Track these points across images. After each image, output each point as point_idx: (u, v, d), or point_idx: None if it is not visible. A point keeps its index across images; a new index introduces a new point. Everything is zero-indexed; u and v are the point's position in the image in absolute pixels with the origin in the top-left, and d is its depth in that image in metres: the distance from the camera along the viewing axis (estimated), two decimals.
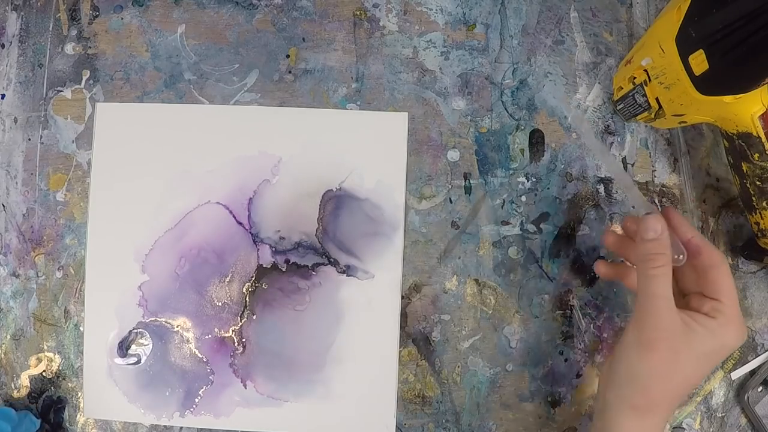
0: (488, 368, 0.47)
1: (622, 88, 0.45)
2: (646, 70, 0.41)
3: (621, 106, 0.46)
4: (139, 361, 0.47)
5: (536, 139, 0.48)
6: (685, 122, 0.42)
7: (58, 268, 0.48)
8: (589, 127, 0.46)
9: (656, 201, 0.48)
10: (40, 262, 0.48)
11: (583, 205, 0.47)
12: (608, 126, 0.48)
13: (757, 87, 0.35)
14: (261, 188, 0.47)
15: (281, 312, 0.46)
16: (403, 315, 0.47)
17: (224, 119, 0.47)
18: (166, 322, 0.47)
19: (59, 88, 0.48)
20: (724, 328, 0.37)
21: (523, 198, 0.47)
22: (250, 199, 0.47)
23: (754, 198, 0.41)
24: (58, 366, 0.48)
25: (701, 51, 0.35)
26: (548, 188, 0.47)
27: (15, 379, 0.48)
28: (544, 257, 0.47)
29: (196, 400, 0.47)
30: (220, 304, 0.47)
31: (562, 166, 0.47)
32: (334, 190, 0.47)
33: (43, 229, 0.48)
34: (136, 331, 0.47)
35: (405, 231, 0.47)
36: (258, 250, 0.47)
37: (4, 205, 0.48)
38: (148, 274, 0.47)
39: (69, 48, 0.48)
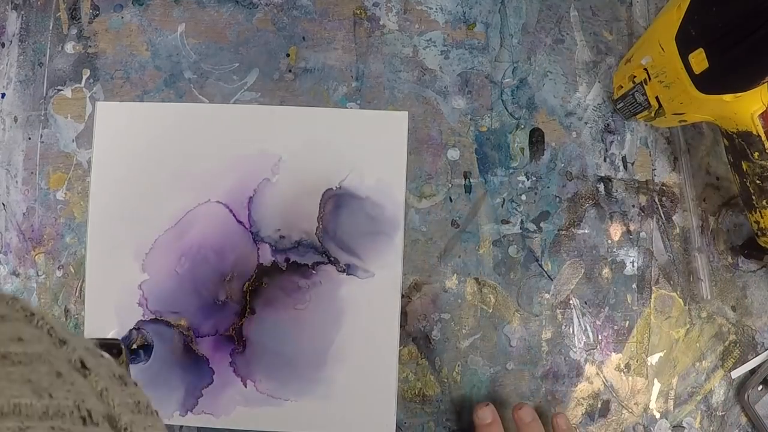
0: (488, 367, 0.47)
1: (622, 87, 0.45)
2: (646, 69, 0.41)
3: (621, 104, 0.46)
4: (138, 361, 0.47)
5: (536, 138, 0.48)
6: (685, 121, 0.42)
7: (58, 267, 0.48)
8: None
9: (656, 200, 0.48)
10: (40, 261, 0.48)
11: (583, 204, 0.47)
12: (608, 125, 0.48)
13: (757, 86, 0.35)
14: (261, 187, 0.47)
15: (281, 311, 0.46)
16: (403, 314, 0.47)
17: (224, 118, 0.47)
18: (166, 321, 0.47)
19: (59, 87, 0.48)
20: None
21: (523, 197, 0.47)
22: (250, 197, 0.47)
23: (753, 197, 0.41)
24: None
25: (701, 49, 0.35)
26: (548, 187, 0.47)
27: None
28: (544, 256, 0.47)
29: (197, 399, 0.47)
30: (220, 302, 0.47)
31: (562, 165, 0.47)
32: (334, 188, 0.47)
33: (43, 228, 0.48)
34: (136, 330, 0.47)
35: (405, 230, 0.47)
36: (258, 248, 0.47)
37: (4, 204, 0.48)
38: (148, 273, 0.47)
39: (69, 47, 0.48)
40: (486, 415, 0.43)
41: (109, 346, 0.28)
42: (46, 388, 0.17)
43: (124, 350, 0.30)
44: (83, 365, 0.19)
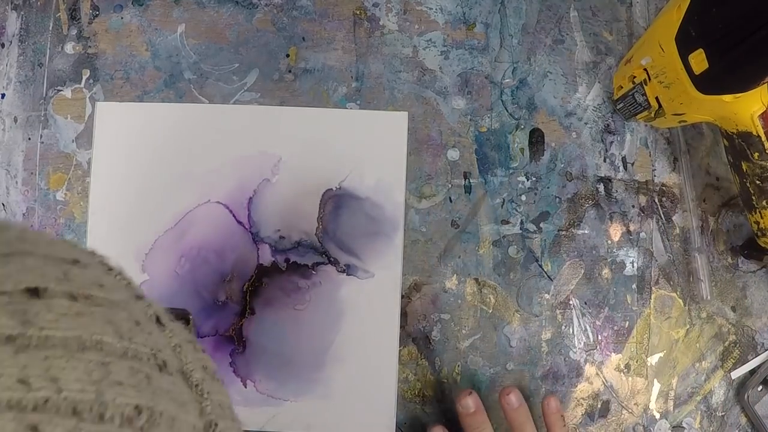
0: (488, 367, 0.47)
1: (622, 87, 0.45)
2: (645, 69, 0.41)
3: (621, 105, 0.46)
4: None
5: (536, 139, 0.48)
6: (685, 121, 0.42)
7: None
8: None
9: (656, 200, 0.48)
10: None
11: (582, 205, 0.47)
12: (608, 125, 0.48)
13: (757, 86, 0.35)
14: (261, 187, 0.47)
15: (281, 311, 0.46)
16: (403, 314, 0.47)
17: (224, 118, 0.47)
18: None
19: (59, 88, 0.48)
20: None
21: (523, 197, 0.47)
22: (250, 198, 0.47)
23: (753, 197, 0.41)
24: None
25: (701, 50, 0.35)
26: (548, 187, 0.47)
27: None
28: (543, 256, 0.47)
29: None
30: (220, 303, 0.47)
31: (562, 165, 0.47)
32: (334, 189, 0.47)
33: (43, 229, 0.48)
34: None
35: (405, 230, 0.47)
36: (258, 249, 0.47)
37: (4, 205, 0.48)
38: (149, 273, 0.47)
39: (69, 47, 0.48)
40: (469, 404, 0.42)
41: (177, 315, 0.28)
42: (125, 331, 0.17)
43: (191, 320, 0.29)
44: (159, 321, 0.19)
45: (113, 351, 0.16)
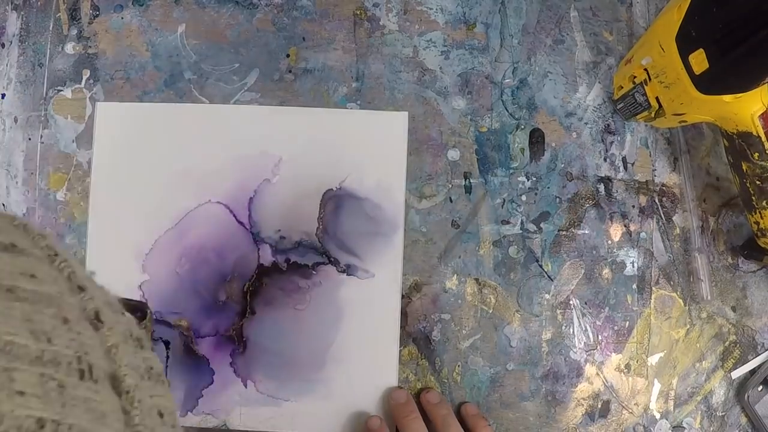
0: (488, 367, 0.47)
1: (622, 87, 0.45)
2: (646, 69, 0.41)
3: (621, 105, 0.46)
4: None
5: (536, 139, 0.48)
6: (685, 121, 0.42)
7: None
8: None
9: (656, 200, 0.48)
10: None
11: (583, 205, 0.47)
12: (608, 125, 0.48)
13: (757, 86, 0.35)
14: (261, 188, 0.47)
15: (282, 311, 0.46)
16: (404, 314, 0.47)
17: (224, 119, 0.47)
18: (166, 321, 0.47)
19: (59, 88, 0.48)
20: None
21: (524, 197, 0.47)
22: (251, 198, 0.47)
23: (753, 197, 0.41)
24: None
25: (701, 50, 0.35)
26: (548, 187, 0.47)
27: None
28: (544, 256, 0.47)
29: (197, 399, 0.47)
30: (220, 303, 0.47)
31: (562, 165, 0.47)
32: (335, 189, 0.47)
33: (43, 229, 0.48)
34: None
35: (405, 230, 0.47)
36: (258, 249, 0.47)
37: (4, 205, 0.48)
38: (149, 273, 0.47)
39: (69, 47, 0.48)
40: (401, 395, 0.45)
41: (134, 307, 0.26)
42: (46, 331, 0.16)
43: (149, 314, 0.28)
44: (97, 317, 0.18)
45: (24, 354, 0.15)
